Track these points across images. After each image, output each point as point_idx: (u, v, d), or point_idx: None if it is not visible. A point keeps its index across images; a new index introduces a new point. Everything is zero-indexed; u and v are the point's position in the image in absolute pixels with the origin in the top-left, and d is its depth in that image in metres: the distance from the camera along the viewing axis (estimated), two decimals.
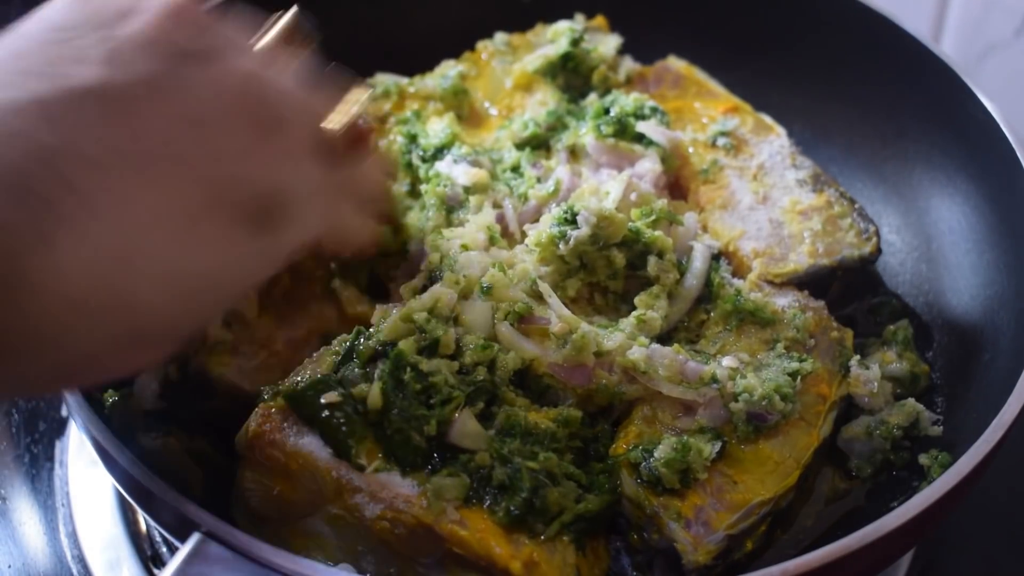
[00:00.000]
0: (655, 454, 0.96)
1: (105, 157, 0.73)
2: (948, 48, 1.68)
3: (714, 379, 1.01)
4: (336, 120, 0.96)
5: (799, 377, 1.03)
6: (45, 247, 0.70)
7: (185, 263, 0.78)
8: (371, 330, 0.99)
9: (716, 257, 1.16)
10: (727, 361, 1.03)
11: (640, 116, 1.25)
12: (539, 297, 1.04)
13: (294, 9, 0.97)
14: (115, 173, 0.74)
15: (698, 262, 1.12)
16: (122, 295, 0.74)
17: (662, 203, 1.13)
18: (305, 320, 1.10)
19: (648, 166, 1.21)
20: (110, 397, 1.05)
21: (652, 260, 1.08)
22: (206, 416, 1.03)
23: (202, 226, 0.79)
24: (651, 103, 1.27)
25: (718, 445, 0.98)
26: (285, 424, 0.94)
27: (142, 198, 0.75)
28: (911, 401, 1.09)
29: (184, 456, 1.02)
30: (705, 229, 1.19)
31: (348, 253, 1.07)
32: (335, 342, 1.00)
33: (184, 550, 0.83)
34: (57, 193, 0.71)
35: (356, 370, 0.96)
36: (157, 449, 0.98)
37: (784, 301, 1.12)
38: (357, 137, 1.00)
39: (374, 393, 0.93)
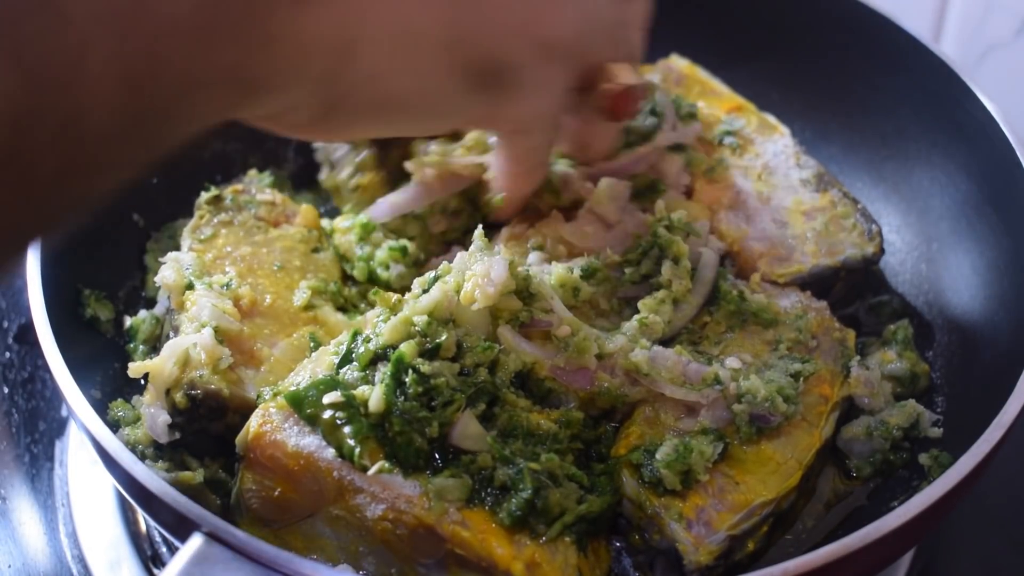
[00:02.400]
0: (657, 455, 0.96)
1: None
2: (948, 48, 1.68)
3: (717, 380, 1.01)
4: (622, 74, 1.04)
5: (801, 378, 1.03)
6: (300, 6, 0.78)
7: (394, 80, 0.88)
8: (367, 332, 0.99)
9: (721, 258, 1.15)
10: (730, 362, 1.03)
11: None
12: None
13: None
14: None
15: (706, 270, 1.12)
16: (335, 75, 0.85)
17: (681, 214, 1.13)
18: (286, 327, 1.09)
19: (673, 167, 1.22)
20: (125, 427, 1.04)
21: (667, 265, 1.08)
22: (218, 437, 1.03)
23: (420, 57, 0.88)
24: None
25: (720, 446, 0.98)
26: (286, 425, 0.94)
27: (385, 3, 0.85)
28: (911, 402, 1.09)
29: (202, 488, 1.01)
30: (710, 229, 1.19)
31: (590, 156, 1.13)
32: (332, 343, 1.00)
33: (185, 550, 0.83)
34: None
35: (355, 373, 0.96)
36: (172, 482, 0.97)
37: (787, 302, 1.12)
38: (624, 104, 1.07)
39: (376, 396, 0.92)
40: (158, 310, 1.13)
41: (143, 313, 1.13)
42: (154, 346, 1.11)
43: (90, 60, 0.64)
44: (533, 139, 1.04)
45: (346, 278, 1.20)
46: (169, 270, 1.08)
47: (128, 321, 1.14)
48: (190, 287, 1.07)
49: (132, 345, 1.12)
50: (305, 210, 1.19)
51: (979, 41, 1.66)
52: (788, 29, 1.44)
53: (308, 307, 1.11)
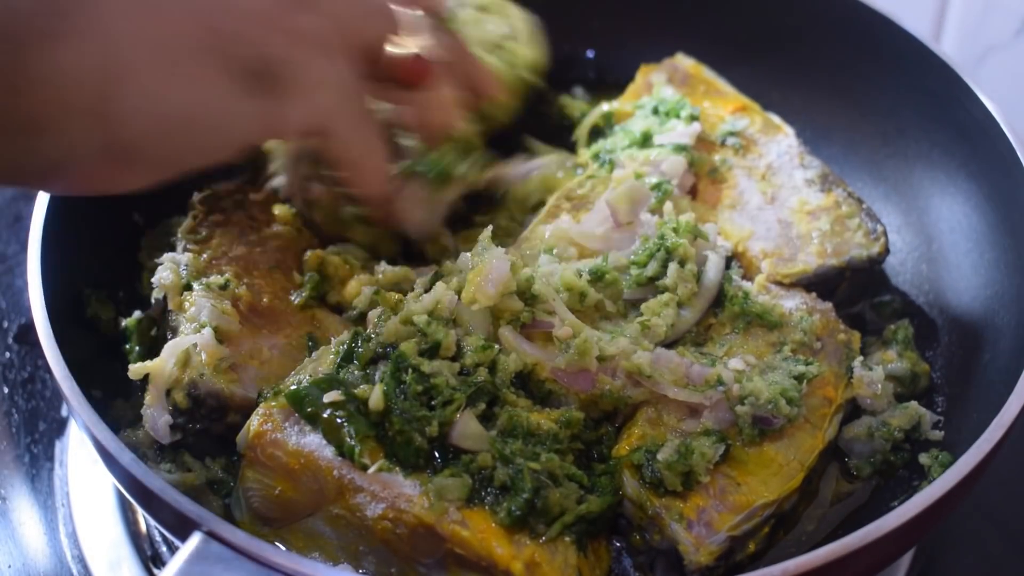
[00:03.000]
0: (658, 456, 0.96)
1: None
2: (948, 49, 1.67)
3: (720, 382, 1.00)
4: (403, 43, 0.99)
5: (805, 380, 1.03)
6: (49, 41, 0.76)
7: (168, 93, 0.84)
8: (368, 331, 0.99)
9: (727, 260, 1.15)
10: (733, 363, 1.03)
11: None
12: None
13: None
14: None
15: (712, 272, 1.11)
16: (107, 103, 0.80)
17: (689, 217, 1.12)
18: (283, 327, 1.09)
19: (677, 168, 1.21)
20: (125, 432, 1.04)
21: (673, 268, 1.08)
22: (219, 437, 1.02)
23: (193, 66, 0.85)
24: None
25: (722, 448, 0.97)
26: (287, 423, 0.94)
27: (142, 19, 0.82)
28: (914, 405, 1.08)
29: (204, 489, 1.01)
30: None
31: (361, 191, 1.05)
32: (334, 343, 1.00)
33: (185, 549, 0.82)
34: None
35: (356, 372, 0.96)
36: (174, 483, 0.97)
37: (792, 303, 1.11)
38: (417, 70, 1.02)
39: (376, 395, 0.92)
40: (152, 310, 1.13)
41: (137, 313, 1.13)
42: (150, 347, 1.11)
43: None
44: (341, 137, 0.97)
45: None
46: (166, 271, 1.08)
47: (123, 322, 1.14)
48: (188, 288, 1.07)
49: (128, 346, 1.11)
50: (280, 213, 1.18)
51: (979, 41, 1.66)
52: (788, 29, 1.44)
53: (305, 306, 1.11)
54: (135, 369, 1.02)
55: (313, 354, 1.02)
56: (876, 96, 1.38)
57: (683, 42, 1.41)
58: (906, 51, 1.32)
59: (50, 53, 0.77)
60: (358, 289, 1.11)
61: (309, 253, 1.13)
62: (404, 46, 1.02)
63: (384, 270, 1.11)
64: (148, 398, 1.01)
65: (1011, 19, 1.59)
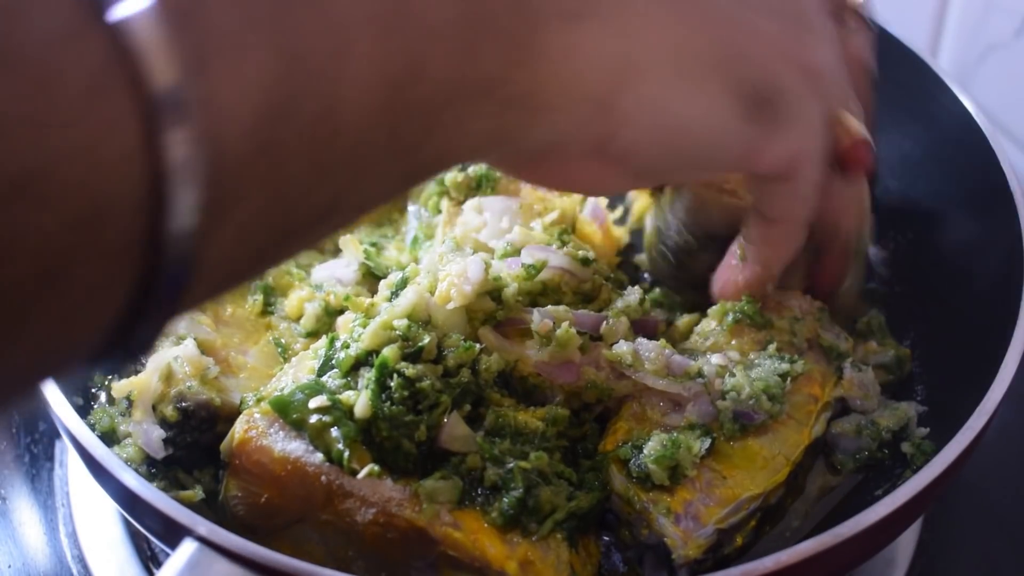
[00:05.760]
0: (644, 451, 0.92)
1: None
2: (947, 49, 1.63)
3: (700, 374, 0.97)
4: (853, 124, 0.91)
5: (789, 378, 0.99)
6: (569, 22, 0.70)
7: (675, 101, 0.77)
8: (344, 338, 0.95)
9: None
10: (716, 359, 0.99)
11: None
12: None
13: None
14: None
15: None
16: (614, 97, 0.74)
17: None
18: (251, 334, 1.05)
19: None
20: (121, 451, 0.99)
21: None
22: (207, 448, 0.98)
23: (706, 80, 0.78)
24: None
25: (707, 442, 0.94)
26: (271, 430, 0.90)
27: (668, 27, 0.76)
28: (904, 405, 1.05)
29: (201, 506, 0.95)
30: None
31: (796, 216, 0.94)
32: (311, 348, 0.96)
33: (178, 555, 0.78)
34: None
35: (337, 380, 0.92)
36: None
37: (785, 302, 1.06)
38: (859, 159, 0.93)
39: (363, 402, 0.88)
40: None
41: None
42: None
43: (351, 56, 0.57)
44: (796, 187, 0.89)
45: None
46: None
47: None
48: None
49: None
50: None
51: (979, 41, 1.61)
52: None
53: (262, 313, 1.07)
54: (119, 387, 0.97)
55: (293, 359, 0.98)
56: None
57: None
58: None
59: (566, 35, 0.70)
60: (299, 307, 1.06)
61: None
62: (850, 122, 0.92)
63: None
64: (136, 414, 0.97)
65: (1011, 19, 1.54)
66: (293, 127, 0.55)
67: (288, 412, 0.90)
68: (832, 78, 0.88)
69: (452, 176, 1.13)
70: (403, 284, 0.97)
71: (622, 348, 0.97)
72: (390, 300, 0.97)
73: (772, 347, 1.01)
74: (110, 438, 1.00)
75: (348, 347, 0.93)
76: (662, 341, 0.99)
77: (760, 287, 1.01)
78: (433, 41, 0.62)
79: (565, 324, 0.96)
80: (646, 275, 1.18)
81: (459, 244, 1.04)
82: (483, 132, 0.69)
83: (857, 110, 0.93)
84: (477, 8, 0.65)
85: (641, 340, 0.99)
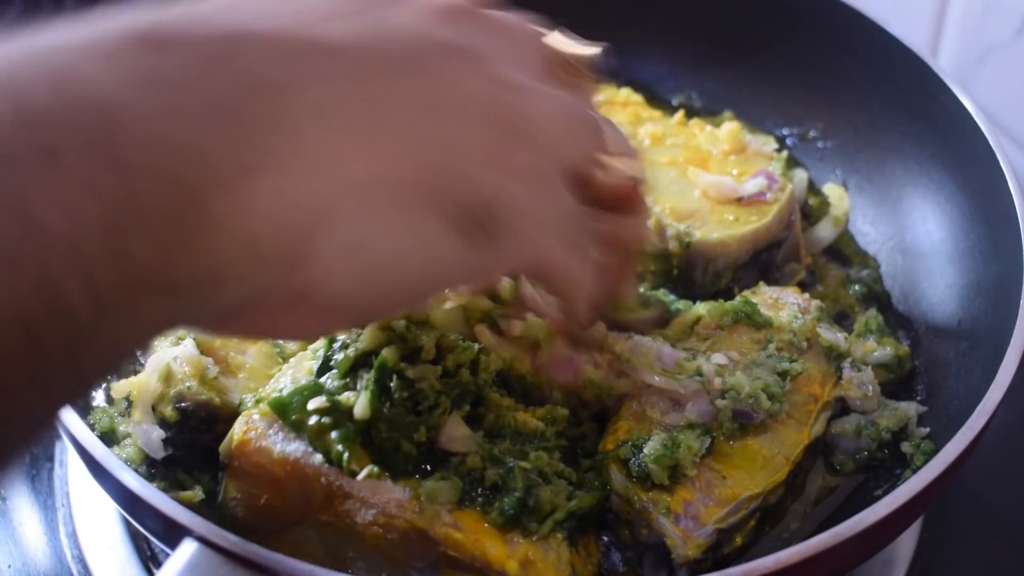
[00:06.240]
0: (644, 450, 0.92)
1: (330, 102, 0.64)
2: (947, 49, 1.62)
3: (698, 372, 0.96)
4: (612, 167, 0.83)
5: (789, 377, 0.98)
6: (237, 180, 0.60)
7: (378, 240, 0.67)
8: (343, 339, 0.93)
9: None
10: (715, 358, 0.98)
11: None
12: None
13: (600, 47, 0.86)
14: (334, 124, 0.64)
15: None
16: (306, 250, 0.64)
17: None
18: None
19: None
20: (121, 451, 0.99)
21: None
22: (207, 449, 0.97)
23: (407, 210, 0.68)
24: None
25: (707, 441, 0.93)
26: (271, 431, 0.89)
27: (354, 159, 0.65)
28: (904, 405, 1.04)
29: (202, 507, 0.94)
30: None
31: (574, 299, 0.84)
32: (310, 349, 0.95)
33: (178, 556, 0.77)
34: (264, 126, 0.61)
35: (336, 381, 0.91)
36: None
37: (785, 303, 1.06)
38: (629, 196, 0.85)
39: (362, 404, 0.87)
40: None
41: None
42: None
43: None
44: (559, 276, 0.81)
45: None
46: None
47: None
48: None
49: None
50: None
51: (979, 41, 1.60)
52: (758, 24, 1.39)
53: None
54: (119, 387, 0.97)
55: (291, 360, 0.97)
56: (846, 87, 1.34)
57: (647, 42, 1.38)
58: (873, 41, 1.28)
59: (237, 197, 0.59)
60: None
61: None
62: (612, 165, 0.85)
63: None
64: (136, 414, 0.97)
65: (1011, 19, 1.53)
66: None
67: (287, 413, 0.89)
68: (567, 135, 0.79)
69: None
70: None
71: (620, 344, 0.97)
72: None
73: (772, 346, 1.01)
74: (110, 438, 1.00)
75: (347, 348, 0.92)
76: (659, 338, 0.99)
77: (574, 327, 0.93)
78: (69, 259, 0.54)
79: (530, 315, 0.95)
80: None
81: None
82: (157, 320, 0.60)
83: (617, 137, 0.86)
84: (125, 200, 0.55)
85: (638, 337, 0.99)
